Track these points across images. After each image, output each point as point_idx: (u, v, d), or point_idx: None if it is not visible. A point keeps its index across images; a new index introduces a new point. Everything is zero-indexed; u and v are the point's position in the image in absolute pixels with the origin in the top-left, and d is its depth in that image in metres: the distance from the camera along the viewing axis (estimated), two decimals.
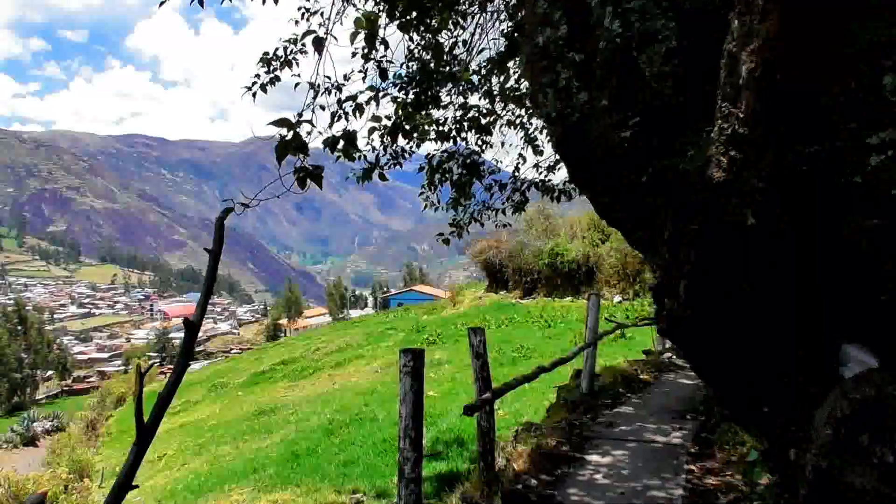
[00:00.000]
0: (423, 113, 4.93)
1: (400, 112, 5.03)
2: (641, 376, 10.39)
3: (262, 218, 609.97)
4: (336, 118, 5.08)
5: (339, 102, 5.49)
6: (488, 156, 9.60)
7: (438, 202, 9.18)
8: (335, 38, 5.51)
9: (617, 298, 34.11)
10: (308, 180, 4.41)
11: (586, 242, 37.13)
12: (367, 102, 5.88)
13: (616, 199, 2.41)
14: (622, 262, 34.69)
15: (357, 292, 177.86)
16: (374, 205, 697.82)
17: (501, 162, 9.82)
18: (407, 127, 4.79)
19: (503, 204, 9.47)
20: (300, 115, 5.40)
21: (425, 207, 9.25)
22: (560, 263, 37.19)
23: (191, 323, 1.95)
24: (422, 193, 9.13)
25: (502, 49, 8.05)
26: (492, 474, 5.59)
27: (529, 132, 9.02)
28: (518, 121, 9.05)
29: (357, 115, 5.28)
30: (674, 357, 12.18)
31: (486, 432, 5.50)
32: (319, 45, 4.61)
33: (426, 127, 7.35)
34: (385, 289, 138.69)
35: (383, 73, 6.06)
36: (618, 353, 16.85)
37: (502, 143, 9.59)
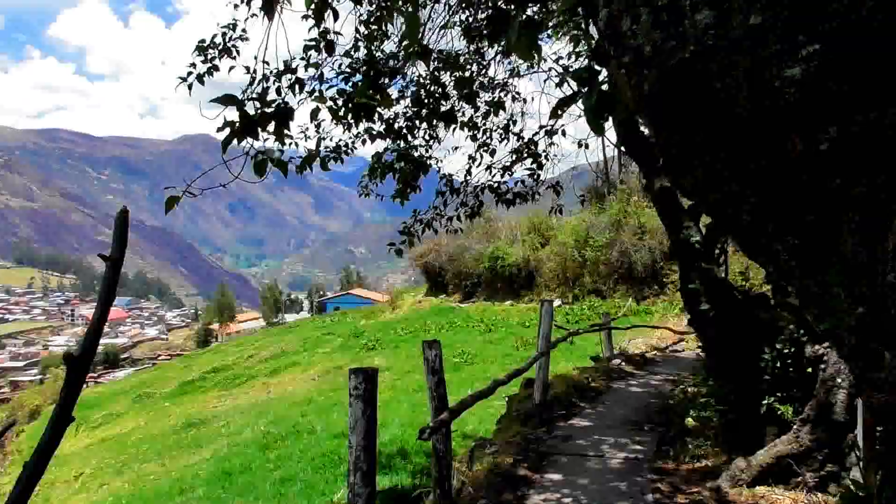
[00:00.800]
0: (379, 96, 4.37)
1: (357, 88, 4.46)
2: (593, 384, 10.07)
3: (192, 218, 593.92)
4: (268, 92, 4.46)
5: (278, 75, 4.86)
6: (440, 156, 9.14)
7: (369, 193, 8.62)
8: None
9: (557, 302, 34.08)
10: (268, 167, 3.81)
11: (527, 246, 37.07)
12: (312, 78, 5.31)
13: (754, 183, 1.55)
14: (562, 266, 34.75)
15: (293, 296, 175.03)
16: (310, 206, 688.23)
17: (443, 161, 9.29)
18: (367, 102, 4.22)
19: (457, 210, 8.98)
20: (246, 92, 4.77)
21: (362, 194, 8.68)
22: (500, 267, 37.01)
23: (72, 357, 1.41)
24: (361, 182, 8.55)
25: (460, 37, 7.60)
26: (448, 502, 5.07)
27: (482, 130, 8.57)
28: (470, 121, 8.58)
29: (296, 91, 4.67)
30: (623, 364, 11.93)
31: (442, 456, 4.98)
32: (270, 7, 3.99)
33: (381, 110, 6.79)
34: (321, 292, 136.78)
35: (329, 46, 5.47)
36: (562, 359, 16.58)
37: (455, 148, 9.10)
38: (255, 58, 6.19)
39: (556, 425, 7.94)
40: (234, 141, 3.87)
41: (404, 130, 7.95)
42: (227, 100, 3.68)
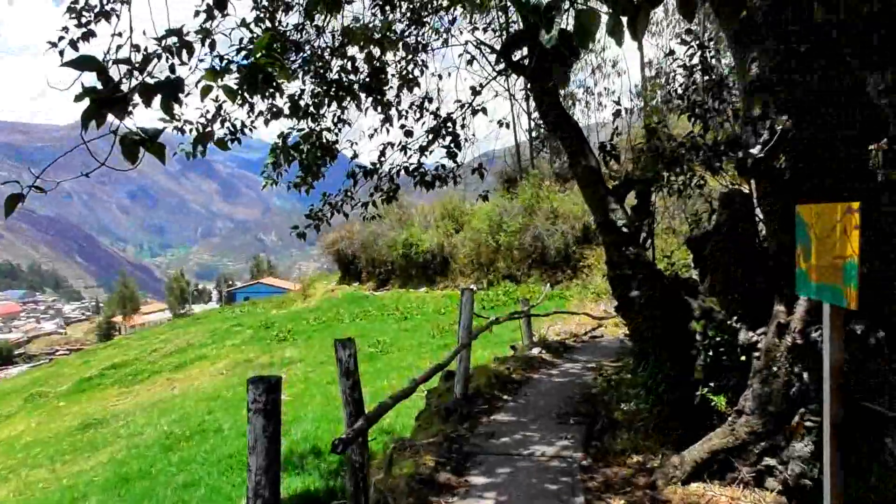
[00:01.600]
0: (279, 68, 3.75)
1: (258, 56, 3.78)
2: (514, 375, 9.70)
3: (88, 206, 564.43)
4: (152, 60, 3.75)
5: (160, 41, 4.13)
6: (352, 137, 8.49)
7: (276, 183, 7.95)
8: None
9: (472, 288, 33.88)
10: (141, 151, 3.06)
11: (440, 232, 36.74)
12: (203, 43, 4.58)
13: None
14: (476, 251, 34.61)
15: (201, 286, 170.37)
16: (217, 193, 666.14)
17: (356, 144, 8.66)
18: (270, 71, 3.56)
19: (371, 194, 8.38)
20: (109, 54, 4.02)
21: (265, 186, 8.00)
22: (414, 254, 36.55)
23: None
24: (263, 172, 7.86)
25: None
26: None
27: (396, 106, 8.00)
28: (381, 96, 7.97)
29: (184, 55, 3.96)
30: (542, 352, 11.65)
31: (358, 468, 4.42)
32: None
33: (284, 84, 6.11)
34: (231, 282, 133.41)
35: (220, 3, 4.75)
36: (480, 348, 16.26)
37: (372, 136, 8.50)
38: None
39: (479, 421, 7.50)
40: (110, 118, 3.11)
41: (311, 109, 7.26)
42: (83, 63, 2.94)
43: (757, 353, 5.49)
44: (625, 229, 6.40)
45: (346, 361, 4.50)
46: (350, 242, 41.88)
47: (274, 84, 5.09)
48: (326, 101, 7.15)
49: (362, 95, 7.47)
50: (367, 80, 7.05)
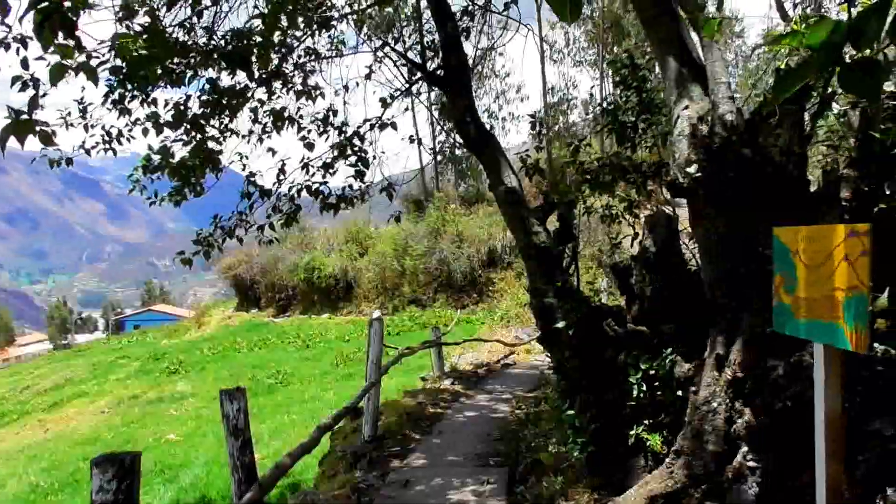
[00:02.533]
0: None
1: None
2: (427, 411, 9.03)
3: None
4: None
5: None
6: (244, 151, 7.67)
7: (144, 190, 7.08)
8: None
9: (376, 314, 32.95)
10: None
11: (344, 256, 35.75)
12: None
13: None
14: (381, 275, 33.85)
15: (86, 314, 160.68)
16: (103, 215, 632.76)
17: (247, 159, 7.86)
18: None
19: (268, 215, 7.56)
20: None
21: (131, 191, 7.09)
22: (317, 278, 35.37)
23: None
24: (131, 176, 6.93)
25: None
26: None
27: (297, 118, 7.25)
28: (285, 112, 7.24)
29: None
30: (455, 383, 11.04)
31: None
32: None
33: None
34: (119, 310, 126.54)
35: None
36: (387, 377, 15.51)
37: (262, 140, 7.70)
38: None
39: (391, 467, 6.78)
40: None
41: (200, 120, 6.44)
42: None
43: (694, 388, 5.08)
44: (548, 252, 5.91)
45: (234, 417, 3.71)
46: (249, 267, 40.16)
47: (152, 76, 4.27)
48: (218, 111, 6.33)
49: (257, 105, 6.71)
50: (263, 85, 6.32)
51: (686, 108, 5.29)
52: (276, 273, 38.07)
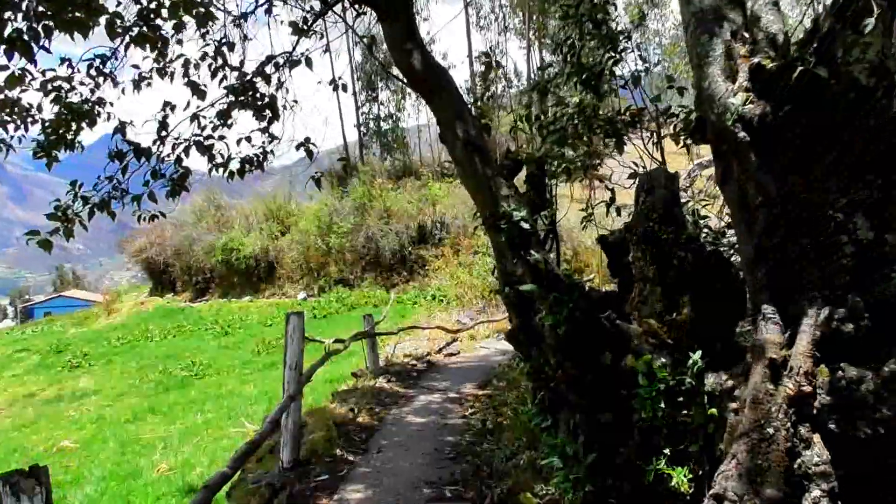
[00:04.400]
0: None
1: None
2: (360, 418, 7.44)
3: None
4: None
5: None
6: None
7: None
8: None
9: (301, 295, 31.17)
10: None
11: (264, 235, 33.55)
12: None
13: None
14: (305, 255, 31.87)
15: None
16: (7, 198, 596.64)
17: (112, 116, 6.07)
18: None
19: (147, 182, 5.77)
20: None
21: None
22: (236, 259, 33.10)
23: None
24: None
25: None
26: None
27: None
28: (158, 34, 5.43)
29: None
30: (392, 380, 9.46)
31: None
32: None
33: None
34: (26, 296, 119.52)
35: None
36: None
37: (138, 84, 5.90)
38: None
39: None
40: None
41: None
42: None
43: (734, 405, 3.71)
44: (524, 224, 4.41)
45: None
46: (161, 249, 37.34)
47: None
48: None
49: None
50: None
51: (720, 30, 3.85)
52: (192, 255, 35.47)
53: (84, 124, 5.87)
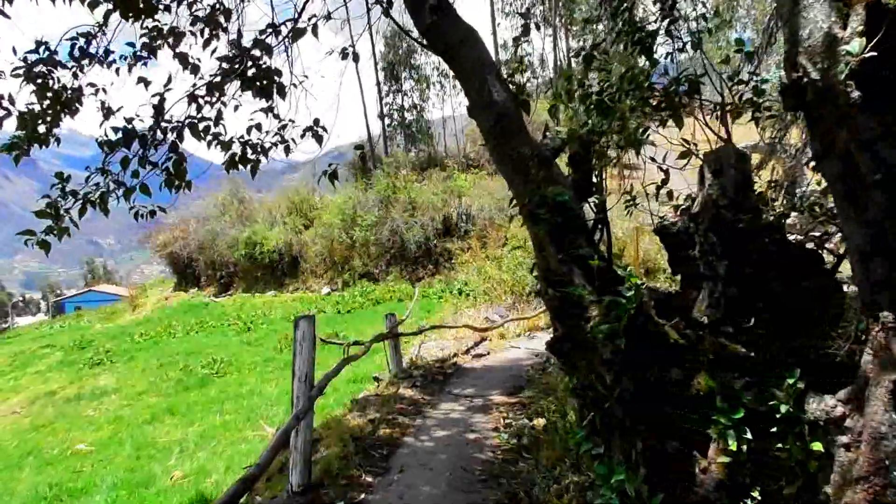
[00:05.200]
0: None
1: None
2: (382, 432, 6.73)
3: None
4: None
5: None
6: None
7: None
8: None
9: (325, 290, 30.65)
10: None
11: (288, 228, 33.07)
12: None
13: None
14: (329, 248, 31.32)
15: (28, 296, 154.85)
16: (38, 193, 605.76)
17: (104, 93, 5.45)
18: None
19: (136, 172, 5.11)
20: None
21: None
22: (259, 254, 32.68)
23: None
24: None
25: None
26: None
27: None
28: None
29: None
30: (417, 385, 8.74)
31: None
32: None
33: None
34: (58, 291, 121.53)
35: None
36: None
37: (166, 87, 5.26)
38: None
39: None
40: None
41: None
42: None
43: (846, 439, 2.93)
44: (570, 212, 3.66)
45: None
46: (185, 243, 37.08)
47: None
48: None
49: None
50: None
51: None
52: (215, 249, 35.13)
53: (64, 114, 5.24)
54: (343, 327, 22.45)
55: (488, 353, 11.45)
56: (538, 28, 35.71)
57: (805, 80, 2.99)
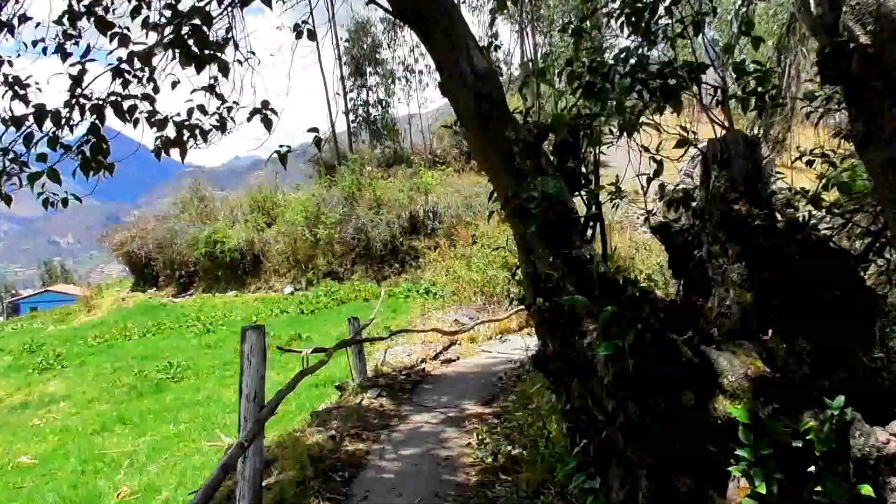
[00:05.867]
0: None
1: None
2: (344, 450, 6.10)
3: None
4: None
5: None
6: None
7: None
8: None
9: (288, 289, 29.82)
10: None
11: (250, 227, 32.13)
12: None
13: None
14: (292, 247, 30.48)
15: None
16: None
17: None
18: None
19: (53, 153, 4.44)
20: None
21: None
22: (220, 252, 31.70)
23: None
24: None
25: None
26: None
27: None
28: None
29: None
30: (382, 395, 8.10)
31: None
32: None
33: None
34: (13, 291, 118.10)
35: None
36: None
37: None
38: None
39: None
40: None
41: None
42: None
43: None
44: (562, 206, 3.10)
45: None
46: (143, 242, 35.82)
47: None
48: None
49: None
50: None
51: None
52: (175, 248, 34.00)
53: None
54: (307, 328, 21.73)
55: (458, 359, 10.87)
56: (513, 20, 35.25)
57: (851, 45, 2.47)
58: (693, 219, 3.56)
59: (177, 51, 3.81)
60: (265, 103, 4.26)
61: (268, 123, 4.31)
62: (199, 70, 3.84)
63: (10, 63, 4.45)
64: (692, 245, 3.56)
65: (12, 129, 4.39)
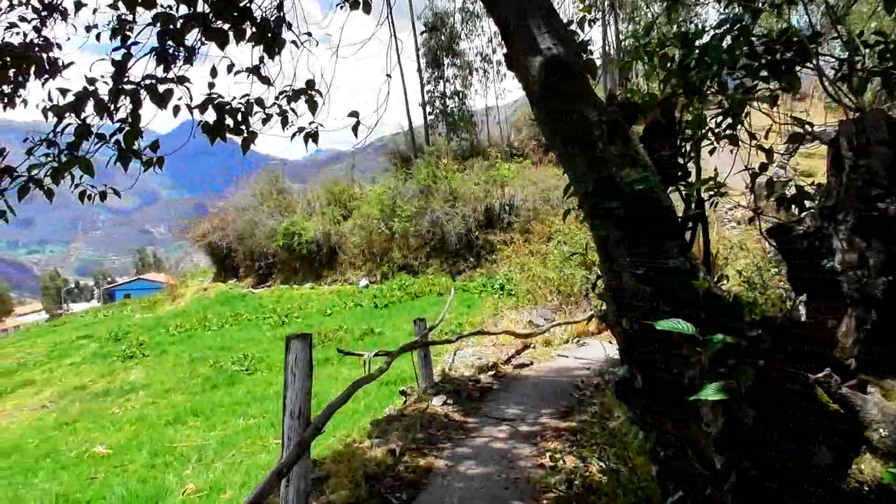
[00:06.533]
0: None
1: None
2: (404, 466, 5.62)
3: None
4: None
5: None
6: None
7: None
8: None
9: (363, 282, 29.78)
10: None
11: (327, 219, 32.29)
12: None
13: None
14: (367, 240, 30.46)
15: (83, 283, 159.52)
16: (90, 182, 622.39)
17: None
18: None
19: (89, 143, 4.11)
20: None
21: None
22: (297, 244, 31.99)
23: None
24: None
25: None
26: None
27: None
28: None
29: None
30: (449, 403, 7.55)
31: None
32: None
33: None
34: (109, 278, 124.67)
35: None
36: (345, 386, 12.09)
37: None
38: None
39: None
40: None
41: None
42: None
43: None
44: (656, 202, 2.47)
45: None
46: (224, 234, 36.60)
47: None
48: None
49: None
50: None
51: None
52: (254, 240, 34.59)
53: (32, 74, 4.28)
54: (379, 322, 21.52)
55: (532, 363, 10.22)
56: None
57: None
58: (820, 220, 2.86)
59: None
60: (310, 83, 3.79)
61: (312, 105, 3.83)
62: (221, 46, 3.41)
63: (59, 46, 4.16)
64: (819, 253, 2.86)
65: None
